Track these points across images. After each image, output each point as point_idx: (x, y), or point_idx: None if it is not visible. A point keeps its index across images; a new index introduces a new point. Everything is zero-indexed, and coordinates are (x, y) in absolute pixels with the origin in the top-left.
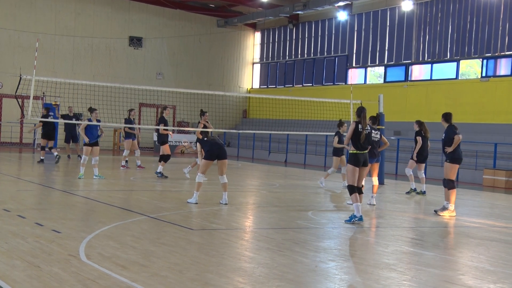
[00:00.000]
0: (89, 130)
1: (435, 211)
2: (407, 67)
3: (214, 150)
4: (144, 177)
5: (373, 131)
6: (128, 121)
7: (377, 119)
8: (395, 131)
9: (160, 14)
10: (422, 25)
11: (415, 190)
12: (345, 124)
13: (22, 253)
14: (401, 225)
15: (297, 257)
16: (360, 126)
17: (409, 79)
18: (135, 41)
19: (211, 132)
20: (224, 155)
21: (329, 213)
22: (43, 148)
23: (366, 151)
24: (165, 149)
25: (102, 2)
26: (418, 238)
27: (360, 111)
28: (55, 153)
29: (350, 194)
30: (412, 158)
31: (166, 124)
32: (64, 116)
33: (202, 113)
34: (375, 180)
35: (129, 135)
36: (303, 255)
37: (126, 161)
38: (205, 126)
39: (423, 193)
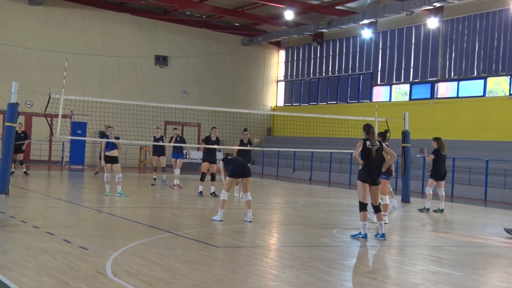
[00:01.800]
0: (108, 148)
1: (506, 230)
2: (433, 84)
3: (238, 168)
4: (169, 195)
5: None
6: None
7: (386, 136)
8: (421, 149)
9: (186, 33)
10: (448, 42)
11: (428, 209)
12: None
13: (51, 270)
14: (428, 244)
15: (322, 275)
16: (368, 142)
17: (435, 96)
18: (161, 60)
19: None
20: (249, 173)
21: (354, 231)
22: None
23: (376, 168)
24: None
25: (129, 21)
26: (445, 258)
27: (368, 128)
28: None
29: (360, 210)
30: (430, 177)
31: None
32: (101, 135)
33: (245, 129)
34: (384, 198)
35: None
36: (328, 273)
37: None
38: (242, 143)
39: (441, 211)
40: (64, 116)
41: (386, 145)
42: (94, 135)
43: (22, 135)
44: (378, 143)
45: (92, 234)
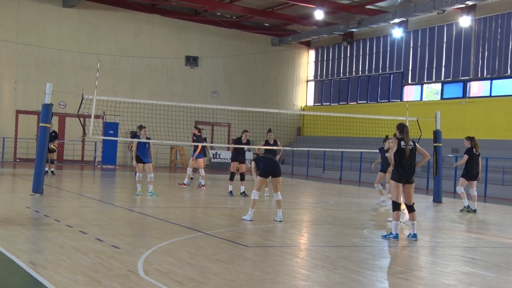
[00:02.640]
0: (140, 148)
1: None
2: (465, 83)
3: (268, 167)
4: (199, 194)
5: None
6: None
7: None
8: (453, 149)
9: (216, 33)
10: (480, 41)
11: (468, 207)
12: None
13: (84, 268)
14: (461, 244)
15: (352, 276)
16: (403, 142)
17: (467, 95)
18: (191, 61)
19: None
20: (279, 172)
21: (385, 231)
22: None
23: (410, 167)
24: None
25: (160, 22)
26: (479, 259)
27: (402, 127)
28: None
29: (393, 210)
30: (462, 176)
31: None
32: (134, 135)
33: (269, 130)
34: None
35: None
36: (359, 273)
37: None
38: (267, 144)
39: (474, 211)
40: (96, 117)
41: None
42: (126, 135)
43: (53, 134)
44: (412, 143)
45: (124, 233)
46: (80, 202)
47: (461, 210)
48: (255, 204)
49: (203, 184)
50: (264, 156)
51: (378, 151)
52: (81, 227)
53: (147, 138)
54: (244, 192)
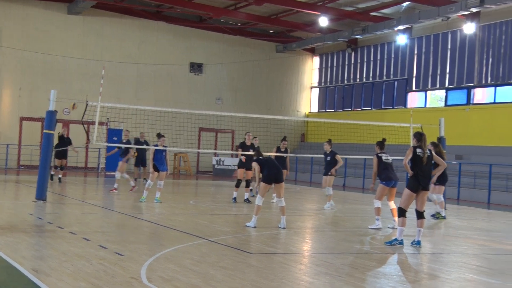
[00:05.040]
0: (157, 156)
1: None
2: (469, 90)
3: (272, 173)
4: (203, 201)
5: (383, 155)
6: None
7: (383, 144)
8: (457, 155)
9: (220, 40)
10: (485, 48)
11: (443, 216)
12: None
13: (87, 275)
14: (465, 251)
15: (356, 283)
16: (419, 150)
17: (471, 102)
18: (196, 67)
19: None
20: (281, 178)
21: (388, 238)
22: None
23: (427, 175)
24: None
25: (165, 29)
26: (483, 266)
27: (420, 135)
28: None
29: (399, 216)
30: (440, 183)
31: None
32: (136, 141)
33: (284, 138)
34: (392, 204)
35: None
36: (363, 280)
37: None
38: (278, 151)
39: (444, 217)
40: (100, 123)
41: (383, 152)
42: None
43: (65, 139)
44: (428, 151)
45: (127, 240)
46: (84, 209)
47: (437, 217)
48: (259, 210)
49: (116, 188)
50: (268, 161)
51: (323, 155)
52: (84, 234)
53: (164, 147)
54: (247, 199)
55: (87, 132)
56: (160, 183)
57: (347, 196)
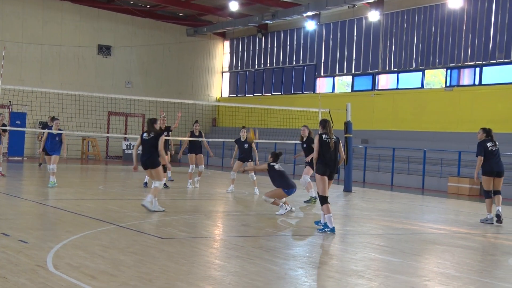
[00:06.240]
0: (49, 140)
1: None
2: (374, 76)
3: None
4: (112, 186)
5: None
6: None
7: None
8: (363, 139)
9: (129, 22)
10: (388, 35)
11: (315, 197)
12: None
13: None
14: (369, 232)
15: (266, 265)
16: (325, 136)
17: (376, 88)
18: (104, 50)
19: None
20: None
21: (298, 220)
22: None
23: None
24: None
25: (71, 10)
26: (385, 245)
27: (325, 122)
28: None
29: (321, 204)
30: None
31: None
32: (45, 126)
33: (196, 121)
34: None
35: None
36: (273, 262)
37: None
38: (193, 135)
39: (314, 199)
40: (2, 106)
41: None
42: (35, 125)
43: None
44: (335, 137)
45: (32, 227)
46: None
47: (308, 201)
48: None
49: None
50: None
51: (234, 142)
52: None
53: (59, 130)
54: (165, 184)
55: None
56: (52, 167)
57: (259, 179)
